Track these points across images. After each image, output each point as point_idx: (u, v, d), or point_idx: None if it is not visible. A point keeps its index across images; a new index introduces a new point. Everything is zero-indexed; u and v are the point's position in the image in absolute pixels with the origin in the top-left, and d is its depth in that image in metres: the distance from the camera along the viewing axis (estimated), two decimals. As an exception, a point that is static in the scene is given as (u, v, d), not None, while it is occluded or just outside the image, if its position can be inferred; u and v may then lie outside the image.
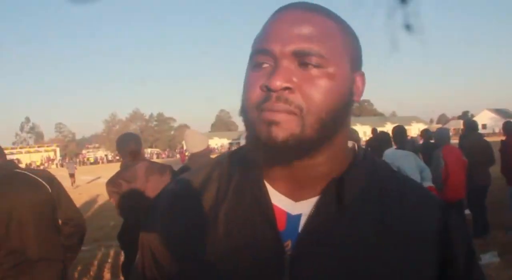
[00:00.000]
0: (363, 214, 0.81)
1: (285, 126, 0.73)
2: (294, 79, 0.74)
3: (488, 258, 5.55)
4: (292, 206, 0.83)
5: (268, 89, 0.74)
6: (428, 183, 4.94)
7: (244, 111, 0.79)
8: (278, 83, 0.72)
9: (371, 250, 0.78)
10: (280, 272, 0.77)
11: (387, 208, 0.82)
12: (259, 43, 0.79)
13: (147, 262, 0.92)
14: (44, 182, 2.87)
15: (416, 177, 4.67)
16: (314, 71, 0.75)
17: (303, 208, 0.82)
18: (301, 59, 0.75)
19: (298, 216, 0.82)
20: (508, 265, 5.38)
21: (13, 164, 2.97)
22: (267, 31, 0.79)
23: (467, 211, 6.80)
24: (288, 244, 0.79)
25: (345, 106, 0.80)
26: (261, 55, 0.77)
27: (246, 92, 0.79)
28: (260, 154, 0.80)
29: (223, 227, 0.82)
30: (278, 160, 0.79)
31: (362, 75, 0.85)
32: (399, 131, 5.50)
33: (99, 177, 28.43)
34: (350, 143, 0.90)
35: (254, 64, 0.78)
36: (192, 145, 3.85)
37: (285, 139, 0.73)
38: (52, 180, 2.95)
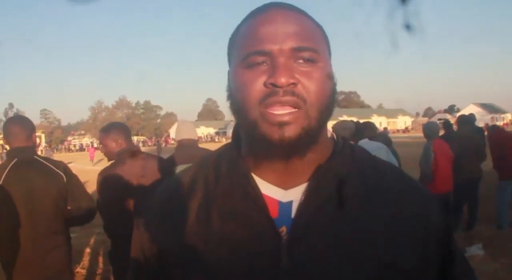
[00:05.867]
0: (349, 197, 0.84)
1: (296, 123, 0.77)
2: (295, 75, 0.78)
3: (472, 251, 5.65)
4: (282, 194, 0.86)
5: (274, 86, 0.76)
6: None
7: (242, 110, 0.81)
8: (283, 79, 0.76)
9: (361, 229, 0.83)
10: (278, 257, 0.80)
11: (369, 191, 0.87)
12: (253, 44, 0.80)
13: (141, 261, 0.96)
14: (60, 172, 3.00)
15: None
16: (309, 66, 0.80)
17: (294, 195, 0.86)
18: (298, 55, 0.79)
19: (290, 203, 0.85)
20: (492, 258, 5.49)
21: (33, 151, 3.03)
22: (259, 32, 0.81)
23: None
24: (284, 230, 0.83)
25: (334, 95, 0.85)
26: (258, 55, 0.79)
27: (244, 91, 0.80)
28: (259, 150, 0.84)
29: (217, 222, 0.85)
30: (288, 155, 0.82)
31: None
32: (370, 127, 5.51)
33: (70, 162, 28.59)
34: (328, 133, 0.94)
35: (249, 64, 0.80)
36: (177, 134, 3.97)
37: (298, 135, 0.77)
38: (67, 171, 3.08)
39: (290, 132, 0.76)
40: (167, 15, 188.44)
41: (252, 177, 0.86)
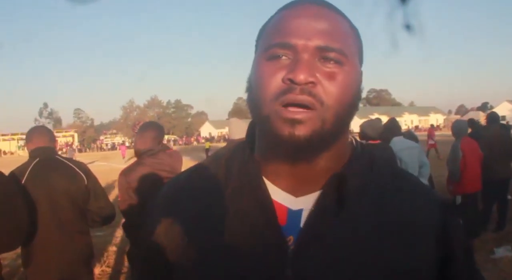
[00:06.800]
0: (363, 208, 0.81)
1: (308, 124, 0.74)
2: (317, 74, 0.75)
3: (501, 252, 5.52)
4: (293, 201, 0.83)
5: (292, 82, 0.74)
6: (423, 180, 4.92)
7: (258, 103, 0.78)
8: (302, 76, 0.73)
9: (372, 244, 0.79)
10: (283, 266, 0.78)
11: (385, 202, 0.83)
12: (278, 36, 0.78)
13: (146, 259, 0.95)
14: (82, 174, 3.07)
15: (414, 171, 4.69)
16: (334, 67, 0.76)
17: (304, 203, 0.82)
18: (323, 54, 0.76)
19: (299, 211, 0.82)
20: (522, 259, 5.33)
21: (54, 150, 3.16)
22: (286, 25, 0.78)
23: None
24: (291, 239, 0.79)
25: (356, 102, 0.81)
26: (281, 48, 0.77)
27: (261, 84, 0.78)
28: (274, 150, 0.81)
29: (222, 224, 0.83)
30: (296, 156, 0.79)
31: (362, 73, 0.86)
32: (398, 126, 5.44)
33: (93, 161, 29.46)
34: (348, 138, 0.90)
35: (271, 56, 0.78)
36: (233, 132, 4.08)
37: (309, 137, 0.74)
38: (88, 173, 3.17)
39: (301, 132, 0.73)
40: (196, 13, 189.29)
41: (263, 181, 0.83)
